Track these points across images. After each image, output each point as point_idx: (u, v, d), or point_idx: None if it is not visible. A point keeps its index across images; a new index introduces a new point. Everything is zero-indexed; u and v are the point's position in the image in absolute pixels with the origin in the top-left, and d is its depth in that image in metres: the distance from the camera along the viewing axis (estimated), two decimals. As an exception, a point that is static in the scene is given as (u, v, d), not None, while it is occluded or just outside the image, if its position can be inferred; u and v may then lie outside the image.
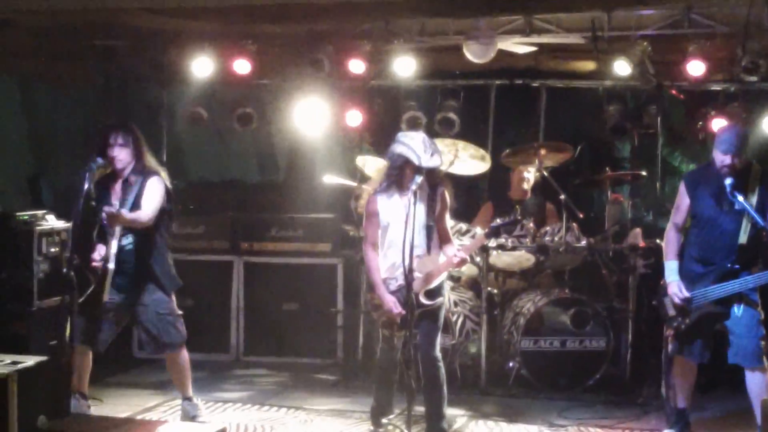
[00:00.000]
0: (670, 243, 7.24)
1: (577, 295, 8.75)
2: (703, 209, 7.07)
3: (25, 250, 8.30)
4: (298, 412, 8.19)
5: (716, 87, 9.53)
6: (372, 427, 7.51)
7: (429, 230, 7.02)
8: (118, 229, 7.23)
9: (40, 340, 8.05)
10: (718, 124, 9.00)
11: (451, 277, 8.76)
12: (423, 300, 6.97)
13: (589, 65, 9.98)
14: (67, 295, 6.68)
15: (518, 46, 9.47)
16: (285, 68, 10.00)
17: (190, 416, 7.61)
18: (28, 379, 6.03)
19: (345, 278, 9.78)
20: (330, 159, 11.03)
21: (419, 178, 6.82)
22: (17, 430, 5.91)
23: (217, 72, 9.72)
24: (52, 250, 8.47)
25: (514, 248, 8.83)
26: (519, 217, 8.28)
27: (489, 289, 8.90)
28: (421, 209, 6.93)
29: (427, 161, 6.88)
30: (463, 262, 7.08)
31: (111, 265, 7.17)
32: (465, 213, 9.06)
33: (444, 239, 7.15)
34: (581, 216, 8.88)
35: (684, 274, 7.09)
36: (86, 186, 6.71)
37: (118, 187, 7.37)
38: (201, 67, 9.65)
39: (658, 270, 7.59)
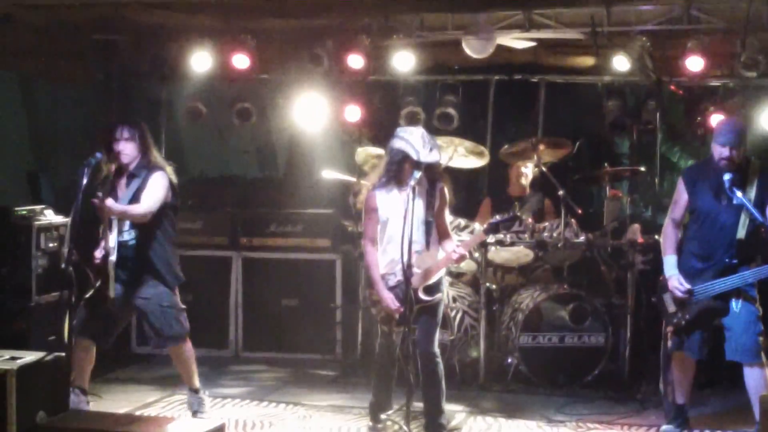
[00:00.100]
0: (668, 238, 7.24)
1: (576, 291, 8.75)
2: (701, 204, 7.07)
3: (23, 245, 8.31)
4: (297, 408, 8.19)
5: (715, 83, 9.53)
6: (371, 423, 7.50)
7: (428, 226, 7.02)
8: (116, 223, 7.23)
9: (39, 336, 8.06)
10: (717, 119, 8.97)
11: (450, 273, 8.76)
12: (422, 296, 6.96)
13: (588, 61, 9.99)
14: (66, 291, 6.68)
15: (517, 41, 9.46)
16: (284, 63, 10.00)
17: (192, 410, 7.62)
18: (27, 374, 6.02)
19: (344, 274, 9.78)
20: (329, 154, 11.03)
21: (418, 174, 6.82)
22: (16, 426, 5.92)
23: (216, 67, 9.72)
24: (51, 245, 8.48)
25: (512, 244, 8.84)
26: (518, 214, 8.27)
27: (488, 284, 8.90)
28: (419, 205, 6.93)
29: (426, 156, 6.88)
30: (462, 258, 7.07)
31: (112, 258, 7.17)
32: (464, 209, 9.06)
33: (443, 235, 7.14)
34: (580, 212, 8.87)
35: (683, 270, 7.08)
36: (85, 181, 6.70)
37: (123, 182, 7.37)
38: (200, 62, 9.65)
39: (657, 266, 7.59)
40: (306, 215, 10.05)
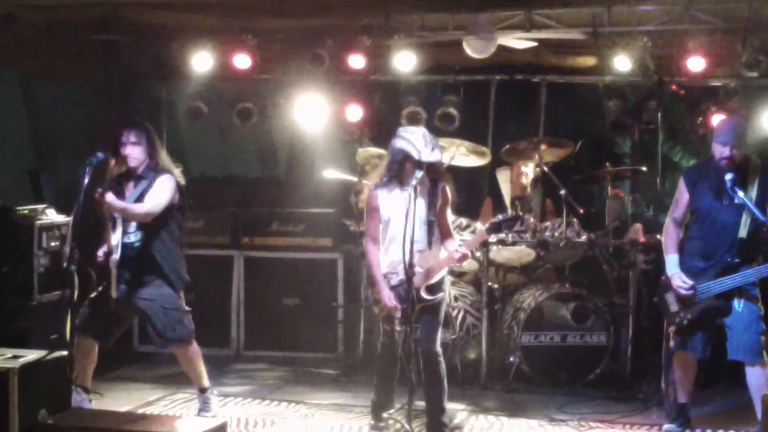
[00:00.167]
0: (669, 237, 7.25)
1: (578, 290, 8.75)
2: (703, 204, 7.08)
3: (25, 244, 8.31)
4: (299, 407, 8.20)
5: (716, 83, 9.52)
6: (372, 422, 7.50)
7: (430, 225, 7.02)
8: (121, 223, 7.23)
9: (41, 335, 8.06)
10: (718, 119, 8.99)
11: (452, 272, 8.76)
12: (424, 295, 6.97)
13: (589, 61, 9.99)
14: (68, 290, 6.68)
15: (518, 41, 9.47)
16: (285, 63, 10.00)
17: (197, 409, 7.62)
18: (29, 373, 6.03)
19: (345, 273, 9.78)
20: (330, 154, 11.03)
21: (419, 173, 6.82)
22: (18, 424, 5.92)
23: (217, 67, 9.73)
24: (53, 244, 8.48)
25: (514, 243, 8.84)
26: (520, 213, 8.28)
27: (489, 284, 8.90)
28: (421, 204, 6.93)
29: (428, 156, 6.88)
30: (464, 257, 7.07)
31: (115, 257, 7.18)
32: (466, 209, 9.06)
33: (445, 234, 7.14)
34: (581, 211, 8.89)
35: (685, 270, 7.09)
36: (86, 181, 6.70)
37: (131, 184, 7.36)
38: (201, 61, 9.66)
39: (659, 265, 7.61)
40: (307, 214, 10.06)
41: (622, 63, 9.09)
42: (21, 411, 5.93)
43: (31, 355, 6.24)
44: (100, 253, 7.23)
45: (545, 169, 9.02)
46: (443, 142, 8.54)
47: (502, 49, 9.44)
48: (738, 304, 6.94)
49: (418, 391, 6.96)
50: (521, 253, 8.95)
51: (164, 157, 7.47)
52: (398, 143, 6.99)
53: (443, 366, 7.08)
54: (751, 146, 7.32)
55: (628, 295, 8.74)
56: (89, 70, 10.37)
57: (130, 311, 7.43)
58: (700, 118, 9.64)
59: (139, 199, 7.24)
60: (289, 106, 10.06)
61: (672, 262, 7.14)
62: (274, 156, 12.57)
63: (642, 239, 8.78)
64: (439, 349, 7.08)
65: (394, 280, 7.04)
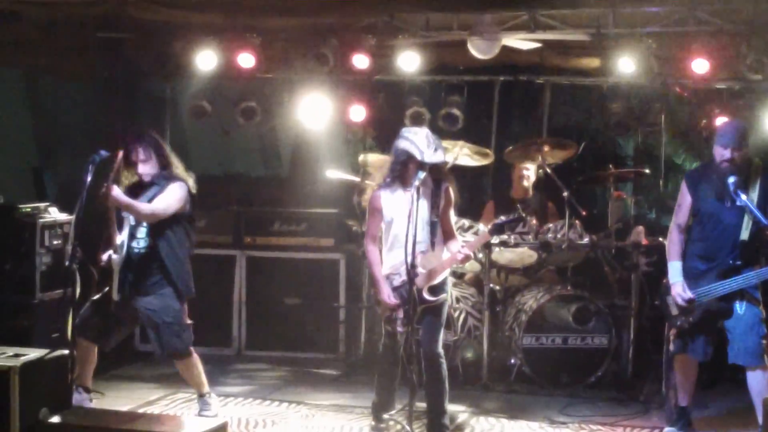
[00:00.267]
0: (673, 244, 7.23)
1: (580, 292, 8.74)
2: (705, 206, 7.08)
3: (27, 242, 8.31)
4: (300, 407, 8.19)
5: (721, 85, 9.51)
6: (373, 423, 7.50)
7: (433, 226, 7.01)
8: (128, 224, 7.24)
9: (43, 333, 8.06)
10: (721, 122, 8.99)
11: (454, 274, 8.76)
12: (426, 296, 6.96)
13: (593, 62, 9.97)
14: (69, 288, 6.68)
15: (522, 42, 9.46)
16: (289, 62, 9.99)
17: (198, 409, 7.62)
18: (30, 371, 6.03)
19: (347, 273, 9.77)
20: (333, 154, 11.04)
21: (422, 174, 6.81)
22: (19, 423, 5.92)
23: (221, 66, 9.71)
24: (55, 242, 8.48)
25: (516, 245, 8.83)
26: (523, 215, 8.27)
27: (491, 285, 8.90)
28: (424, 205, 6.92)
29: (431, 157, 6.87)
30: (467, 258, 7.06)
31: (116, 256, 7.17)
32: (469, 210, 9.06)
33: (448, 235, 7.13)
34: (584, 213, 8.88)
35: (687, 272, 7.08)
36: (89, 179, 6.69)
37: (143, 190, 7.34)
38: (205, 60, 9.64)
39: (661, 267, 7.59)
40: (310, 214, 10.05)
41: (626, 65, 9.07)
42: (22, 409, 5.94)
43: (33, 353, 6.24)
44: (104, 256, 7.22)
45: (548, 170, 9.01)
46: (446, 143, 8.54)
47: (507, 50, 9.43)
48: (740, 307, 6.93)
49: (419, 392, 6.95)
50: (523, 254, 8.94)
51: (177, 164, 7.46)
52: (401, 144, 6.99)
53: (445, 367, 7.07)
54: (755, 148, 7.31)
55: (630, 297, 8.73)
56: (93, 68, 10.36)
57: (130, 317, 7.42)
58: (704, 121, 9.63)
59: (149, 202, 7.23)
60: (293, 105, 10.05)
61: (675, 269, 7.12)
62: (278, 155, 12.57)
63: (644, 241, 8.77)
64: (440, 350, 7.07)
65: (397, 281, 7.03)
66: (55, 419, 6.07)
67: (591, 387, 8.57)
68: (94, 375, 7.57)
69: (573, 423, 7.80)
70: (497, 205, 9.50)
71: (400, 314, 6.93)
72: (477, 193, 10.75)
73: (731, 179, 6.84)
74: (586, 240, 8.79)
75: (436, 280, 7.01)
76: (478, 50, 9.17)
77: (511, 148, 9.34)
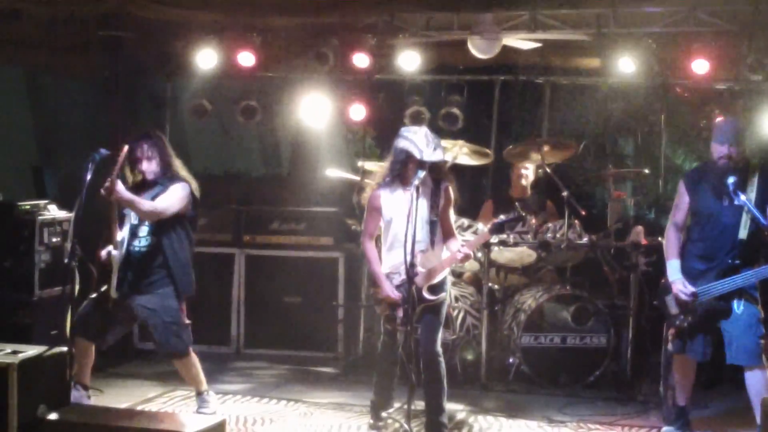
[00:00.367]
0: (670, 242, 7.23)
1: (579, 292, 8.74)
2: (703, 206, 7.08)
3: (26, 239, 8.32)
4: (298, 405, 8.20)
5: (721, 85, 9.51)
6: (372, 421, 7.50)
7: (432, 225, 7.01)
8: (129, 222, 7.24)
9: (42, 330, 8.07)
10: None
11: (452, 273, 8.76)
12: (426, 295, 6.96)
13: (593, 62, 9.98)
14: (68, 286, 6.69)
15: (523, 42, 9.47)
16: (289, 61, 10.00)
17: (196, 407, 7.62)
18: (28, 368, 6.03)
19: (346, 272, 9.76)
20: (333, 153, 11.04)
21: (422, 173, 6.81)
22: (17, 420, 5.93)
23: (221, 64, 9.72)
24: (54, 240, 8.49)
25: (515, 244, 8.83)
26: (522, 214, 8.27)
27: (490, 284, 8.90)
28: (424, 204, 6.93)
29: (430, 155, 6.87)
30: (466, 257, 7.06)
31: (115, 253, 7.18)
32: (468, 209, 9.06)
33: (448, 234, 7.13)
34: (583, 213, 8.88)
35: (686, 272, 7.08)
36: (89, 177, 6.69)
37: (145, 190, 7.35)
38: (205, 59, 9.65)
39: (660, 267, 7.58)
40: (309, 213, 10.05)
41: (626, 65, 9.07)
42: (20, 406, 5.94)
43: (31, 350, 6.24)
44: (104, 253, 7.23)
45: (548, 170, 9.02)
46: (445, 142, 8.55)
47: (507, 50, 9.44)
48: (738, 306, 6.92)
49: (417, 391, 6.95)
50: (522, 254, 8.94)
51: (180, 166, 7.47)
52: (400, 143, 7.00)
53: (443, 366, 7.06)
54: (755, 149, 7.32)
55: (629, 297, 8.71)
56: (94, 66, 10.37)
57: (129, 316, 7.40)
58: (704, 121, 9.63)
59: (151, 200, 7.23)
60: (293, 104, 10.05)
61: (673, 267, 7.13)
62: (277, 154, 12.59)
63: (643, 241, 8.76)
64: (439, 349, 7.07)
65: (397, 280, 7.03)
66: (54, 416, 6.08)
67: (590, 386, 8.57)
68: (93, 372, 7.57)
69: (571, 422, 7.80)
70: (496, 205, 9.50)
71: (400, 313, 6.93)
72: (476, 193, 10.76)
73: (731, 179, 6.84)
74: (585, 240, 8.79)
75: (436, 280, 7.01)
76: (478, 50, 9.18)
77: (511, 147, 9.34)
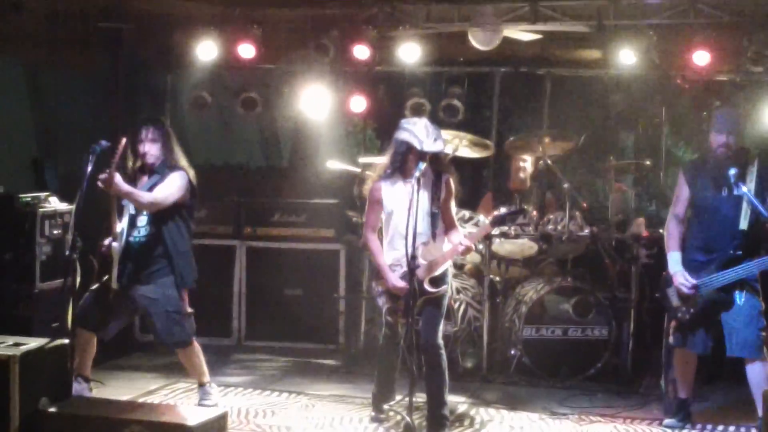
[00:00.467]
0: (671, 234, 7.24)
1: (580, 284, 8.74)
2: (703, 197, 7.09)
3: (27, 232, 8.31)
4: (300, 397, 8.20)
5: (722, 77, 9.49)
6: (373, 413, 7.51)
7: (433, 217, 7.01)
8: (128, 213, 7.24)
9: (43, 323, 8.06)
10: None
11: (454, 265, 8.75)
12: (427, 287, 6.96)
13: (594, 54, 9.97)
14: (69, 278, 6.68)
15: (523, 33, 9.45)
16: (290, 53, 9.98)
17: (198, 399, 7.63)
18: (30, 361, 6.04)
19: (348, 264, 9.76)
20: (334, 145, 11.03)
21: (423, 165, 6.81)
22: (19, 412, 5.94)
23: (221, 56, 9.69)
24: (55, 232, 8.48)
25: (517, 236, 8.83)
26: (524, 206, 8.27)
27: (491, 276, 8.90)
28: (424, 196, 6.92)
29: (430, 146, 6.86)
30: (468, 250, 7.05)
31: (115, 244, 7.17)
32: (469, 201, 9.06)
33: (449, 226, 7.14)
34: (584, 205, 8.87)
35: (687, 264, 7.09)
36: (90, 169, 6.68)
37: (144, 177, 7.35)
38: (206, 51, 9.62)
39: (661, 260, 7.59)
40: (310, 205, 10.04)
41: (627, 56, 9.04)
42: (22, 398, 5.96)
43: (33, 342, 6.26)
44: (104, 244, 7.22)
45: (548, 162, 9.01)
46: (446, 134, 8.54)
47: (507, 42, 9.42)
48: (739, 298, 6.93)
49: (419, 383, 6.95)
50: (524, 246, 8.94)
51: (180, 156, 7.46)
52: (401, 135, 6.99)
53: (444, 358, 7.07)
54: (757, 140, 7.31)
55: (631, 289, 8.72)
56: (94, 59, 10.34)
57: (131, 306, 7.39)
58: (705, 113, 9.62)
59: (149, 190, 7.23)
60: (294, 96, 10.03)
61: (674, 259, 7.13)
62: (278, 146, 12.57)
63: (645, 234, 8.77)
64: (440, 341, 7.07)
65: (398, 273, 7.02)
66: (55, 408, 6.09)
67: (591, 379, 8.56)
68: (94, 365, 7.56)
69: (573, 414, 7.80)
70: (495, 197, 9.49)
71: (401, 305, 6.93)
72: (477, 185, 10.75)
73: (732, 171, 6.84)
74: (586, 232, 8.78)
75: (437, 272, 7.01)
76: (478, 41, 9.16)
77: (512, 139, 9.34)
